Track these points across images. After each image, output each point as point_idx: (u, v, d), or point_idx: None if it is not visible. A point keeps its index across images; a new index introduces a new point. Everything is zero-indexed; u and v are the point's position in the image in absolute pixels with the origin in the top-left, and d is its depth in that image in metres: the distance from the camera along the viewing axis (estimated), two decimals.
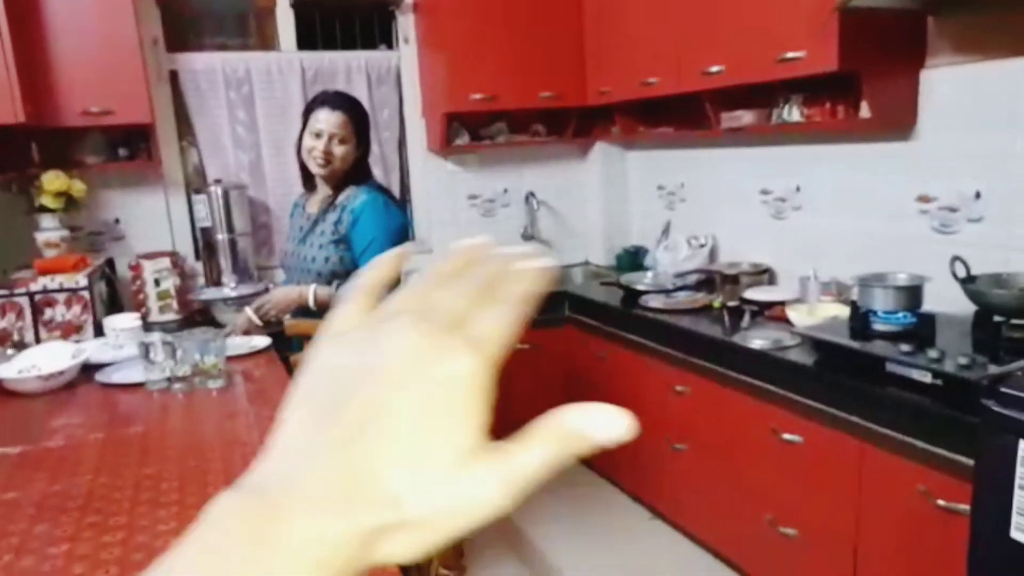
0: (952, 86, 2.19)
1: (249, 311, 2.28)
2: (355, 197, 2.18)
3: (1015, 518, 1.35)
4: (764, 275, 2.90)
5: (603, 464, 3.27)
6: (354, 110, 2.20)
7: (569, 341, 3.33)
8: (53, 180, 2.63)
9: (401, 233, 2.18)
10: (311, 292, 2.16)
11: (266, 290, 3.03)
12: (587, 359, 3.22)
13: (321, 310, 2.14)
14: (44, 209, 2.65)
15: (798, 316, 2.35)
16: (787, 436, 2.12)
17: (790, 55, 2.26)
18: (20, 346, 2.29)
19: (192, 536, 0.26)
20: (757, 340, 2.27)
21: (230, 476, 1.38)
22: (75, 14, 2.65)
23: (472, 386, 0.28)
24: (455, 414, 0.28)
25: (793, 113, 2.55)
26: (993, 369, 1.65)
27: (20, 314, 2.39)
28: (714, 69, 2.60)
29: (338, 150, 2.15)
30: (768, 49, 2.34)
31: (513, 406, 3.00)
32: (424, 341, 0.28)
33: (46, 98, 2.62)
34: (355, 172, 2.23)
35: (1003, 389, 1.38)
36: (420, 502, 0.27)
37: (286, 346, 2.15)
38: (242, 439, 1.58)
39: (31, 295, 2.41)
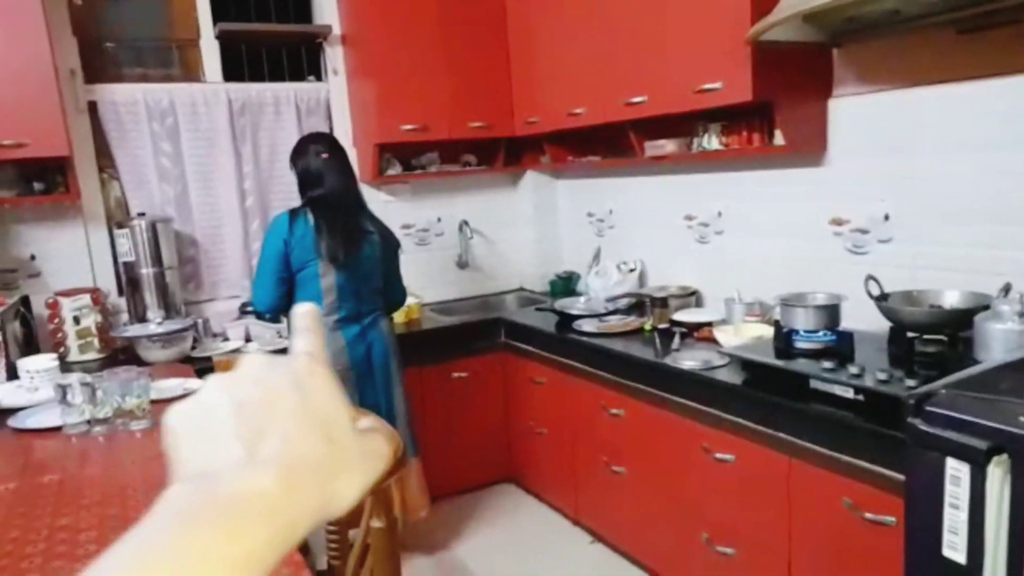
0: (857, 114, 2.32)
1: None
2: None
3: (946, 536, 1.38)
4: (691, 297, 2.97)
5: (544, 489, 3.28)
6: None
7: (506, 367, 3.34)
8: None
9: (270, 249, 2.48)
10: None
11: (193, 326, 2.96)
12: (524, 384, 3.23)
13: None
14: None
15: (725, 337, 2.42)
16: (719, 455, 2.17)
17: (707, 86, 2.36)
18: None
19: (151, 514, 0.32)
20: (687, 361, 2.32)
21: None
22: None
23: (328, 381, 0.39)
24: (334, 400, 0.38)
25: (712, 141, 2.65)
26: (910, 383, 1.73)
27: None
28: (636, 100, 2.68)
29: None
30: (687, 80, 2.44)
31: (453, 431, 3.00)
32: (283, 370, 0.38)
33: None
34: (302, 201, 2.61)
35: (928, 408, 1.42)
36: (347, 452, 0.37)
37: None
38: (167, 482, 1.53)
39: None
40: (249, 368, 0.38)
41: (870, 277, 2.11)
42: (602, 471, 2.75)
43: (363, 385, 2.54)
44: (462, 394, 3.30)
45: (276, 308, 2.54)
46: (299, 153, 2.62)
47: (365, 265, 2.57)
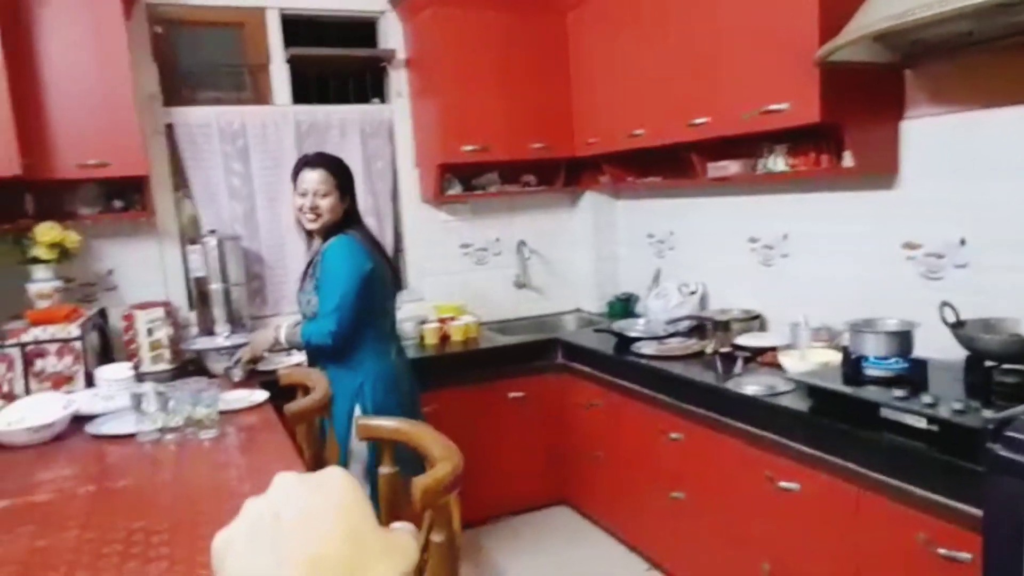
0: (931, 136, 2.25)
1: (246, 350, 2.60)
2: (330, 243, 2.33)
3: None
4: (755, 321, 2.91)
5: (599, 513, 3.23)
6: (333, 166, 2.37)
7: (563, 388, 3.32)
8: (47, 231, 2.63)
9: (357, 276, 2.26)
10: (282, 330, 2.44)
11: None
12: (581, 406, 3.20)
13: (291, 346, 2.51)
14: (36, 260, 2.65)
15: (791, 362, 2.36)
16: (783, 483, 2.10)
17: (773, 107, 2.32)
18: (10, 397, 2.27)
19: None
20: (750, 386, 2.27)
21: (220, 527, 1.36)
22: (73, 69, 2.69)
23: (354, 488, 0.41)
24: (358, 505, 0.41)
25: (778, 163, 2.61)
26: (988, 414, 1.66)
27: (11, 365, 2.37)
28: (699, 121, 2.66)
29: (323, 203, 2.33)
30: (752, 101, 2.40)
31: (508, 451, 2.99)
32: (313, 482, 0.42)
33: (42, 151, 2.64)
34: (343, 223, 2.38)
35: (1009, 433, 1.37)
36: (371, 548, 0.40)
37: (282, 396, 2.14)
38: (232, 490, 1.57)
39: (22, 346, 2.39)
40: (281, 486, 0.43)
41: (945, 303, 2.03)
42: (660, 496, 2.69)
43: (416, 411, 2.52)
44: (518, 414, 3.30)
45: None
46: (352, 180, 2.46)
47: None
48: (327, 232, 2.36)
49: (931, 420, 1.73)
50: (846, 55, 2.07)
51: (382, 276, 2.40)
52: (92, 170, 2.74)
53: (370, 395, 2.31)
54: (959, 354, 2.00)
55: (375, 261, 2.35)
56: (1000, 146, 2.07)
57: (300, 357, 3.08)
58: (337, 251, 2.30)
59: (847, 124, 2.25)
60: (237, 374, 2.55)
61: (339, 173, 2.38)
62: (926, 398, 1.79)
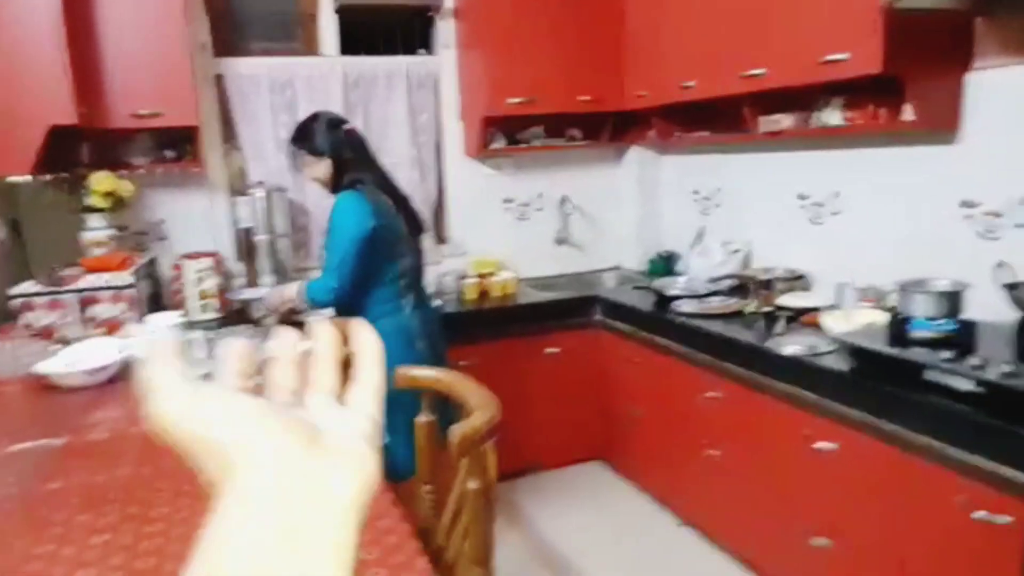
0: (1000, 89, 2.14)
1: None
2: (336, 199, 2.36)
3: None
4: (799, 281, 2.86)
5: (633, 470, 3.26)
6: (294, 143, 2.45)
7: (600, 345, 3.32)
8: (102, 180, 2.71)
9: (357, 234, 2.25)
10: (292, 288, 2.50)
11: None
12: (618, 363, 3.21)
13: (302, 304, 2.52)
14: (91, 209, 2.73)
15: (833, 322, 2.32)
16: (821, 444, 2.09)
17: (833, 57, 2.23)
18: (65, 342, 2.36)
19: None
20: (791, 346, 2.24)
21: None
22: (128, 20, 2.73)
23: None
24: None
25: (833, 116, 2.52)
26: None
27: (67, 311, 2.47)
28: (755, 72, 2.57)
29: (306, 174, 2.51)
30: (811, 51, 2.31)
31: (543, 406, 3.01)
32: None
33: (98, 100, 2.69)
34: (344, 180, 2.39)
35: None
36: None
37: None
38: None
39: (78, 292, 2.48)
40: None
41: (1001, 263, 1.96)
42: (695, 454, 2.70)
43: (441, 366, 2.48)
44: (554, 370, 3.31)
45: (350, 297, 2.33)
46: (331, 133, 2.40)
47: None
48: (336, 188, 2.40)
49: (979, 383, 1.69)
50: (915, 1, 1.97)
51: (388, 235, 2.33)
52: (145, 120, 2.79)
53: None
54: (1013, 317, 1.94)
55: (381, 218, 2.30)
56: None
57: None
58: (340, 208, 2.31)
59: (909, 76, 2.15)
60: (271, 321, 2.69)
61: (298, 143, 2.43)
62: (974, 360, 1.75)
